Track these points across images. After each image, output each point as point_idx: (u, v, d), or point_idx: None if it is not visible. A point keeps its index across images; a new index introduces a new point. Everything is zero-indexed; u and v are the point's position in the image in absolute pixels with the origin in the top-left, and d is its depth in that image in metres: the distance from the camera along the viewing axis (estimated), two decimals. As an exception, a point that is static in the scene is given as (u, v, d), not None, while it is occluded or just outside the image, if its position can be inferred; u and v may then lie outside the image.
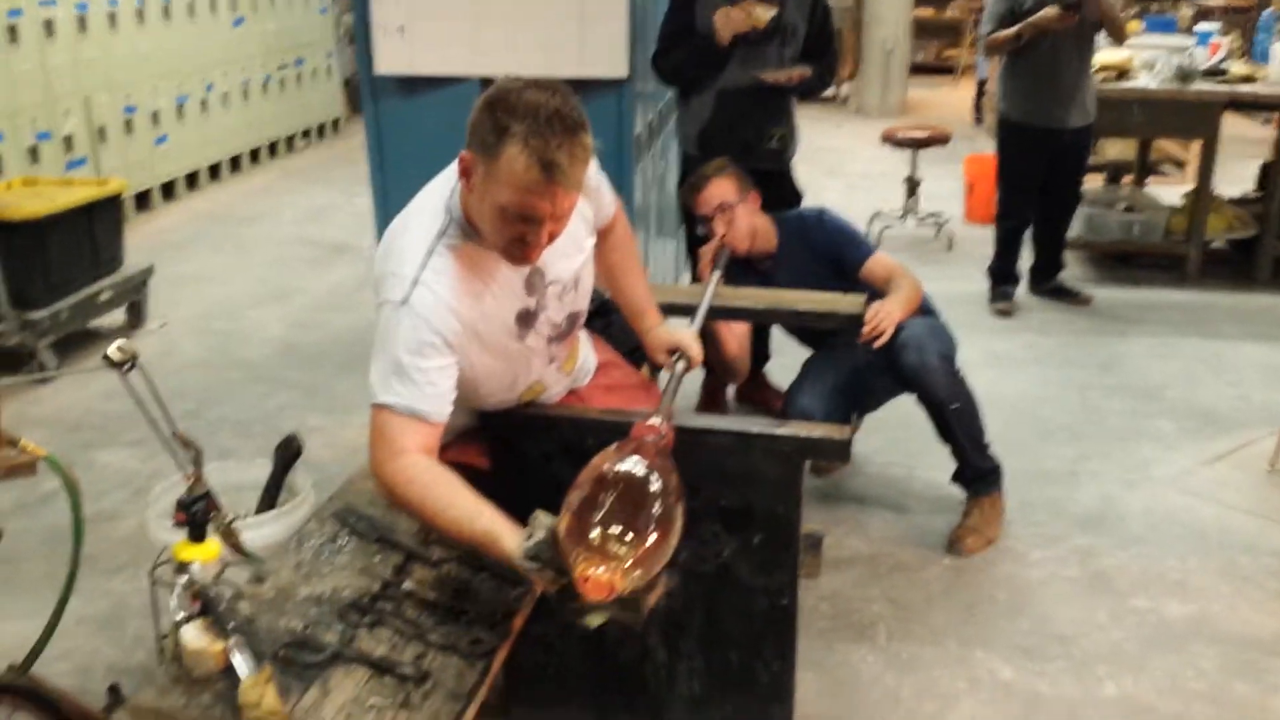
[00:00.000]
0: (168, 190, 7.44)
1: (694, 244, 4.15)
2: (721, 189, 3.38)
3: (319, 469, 3.69)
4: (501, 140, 1.79)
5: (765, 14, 3.69)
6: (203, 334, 5.10)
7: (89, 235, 4.74)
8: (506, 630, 1.91)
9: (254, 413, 4.23)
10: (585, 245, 2.20)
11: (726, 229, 3.33)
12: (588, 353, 2.45)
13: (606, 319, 2.91)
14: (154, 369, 4.67)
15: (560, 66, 3.76)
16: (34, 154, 6.06)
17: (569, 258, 2.13)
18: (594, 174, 2.20)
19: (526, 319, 2.09)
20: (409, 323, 1.90)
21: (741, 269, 3.41)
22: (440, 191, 2.05)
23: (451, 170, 2.07)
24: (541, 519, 1.79)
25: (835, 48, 4.09)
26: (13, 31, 5.91)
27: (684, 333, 2.47)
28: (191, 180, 7.70)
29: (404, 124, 3.92)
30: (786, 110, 4.02)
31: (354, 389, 4.25)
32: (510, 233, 1.88)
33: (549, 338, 2.17)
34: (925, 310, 3.37)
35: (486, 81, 3.82)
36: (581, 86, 3.69)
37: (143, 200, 7.16)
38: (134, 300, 5.07)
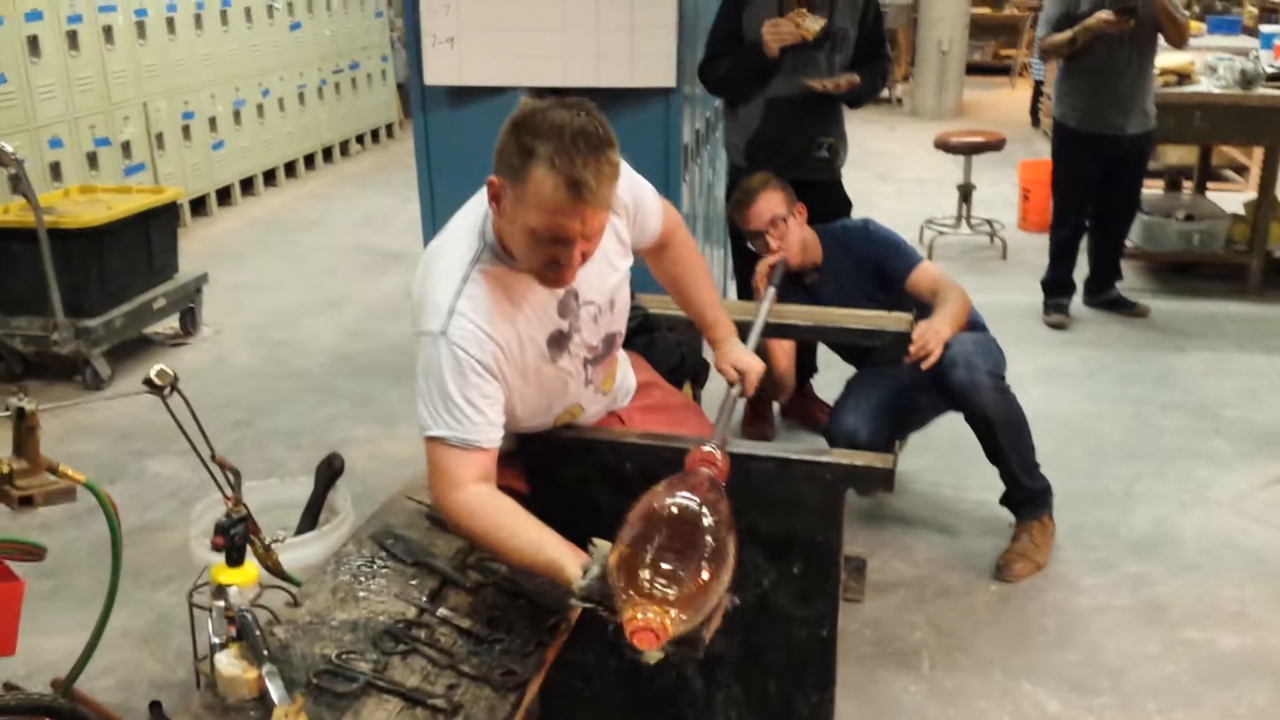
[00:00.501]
0: (223, 196, 7.54)
1: (741, 258, 4.13)
2: (771, 203, 3.33)
3: (363, 480, 3.73)
4: (527, 162, 1.78)
5: (814, 25, 3.65)
6: (256, 342, 5.15)
7: (144, 243, 4.81)
8: (540, 661, 1.89)
9: (304, 423, 4.27)
10: (620, 265, 2.18)
11: (780, 243, 3.29)
12: (627, 372, 2.43)
13: (649, 336, 2.89)
14: (207, 378, 4.81)
15: (608, 76, 3.75)
16: (92, 160, 6.17)
17: (603, 277, 2.11)
18: (633, 190, 2.17)
19: (559, 341, 2.07)
20: (449, 353, 1.90)
21: (786, 282, 3.37)
22: (474, 215, 2.04)
23: (484, 194, 2.06)
24: (600, 550, 1.77)
25: (887, 53, 4.03)
26: (73, 38, 6.02)
27: (750, 356, 2.46)
28: (247, 186, 7.80)
29: (453, 134, 3.92)
30: (836, 118, 3.97)
31: (402, 399, 4.28)
32: (543, 255, 1.87)
33: (585, 360, 2.15)
34: (974, 325, 3.31)
35: (535, 91, 3.84)
36: (629, 96, 3.75)
37: (199, 206, 7.26)
38: (188, 308, 5.13)
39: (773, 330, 3.02)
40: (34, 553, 2.14)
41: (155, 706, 2.58)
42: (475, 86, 3.81)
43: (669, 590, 1.59)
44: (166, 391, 1.88)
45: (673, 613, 1.58)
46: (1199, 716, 2.63)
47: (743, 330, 2.78)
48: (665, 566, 1.62)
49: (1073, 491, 3.58)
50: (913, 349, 2.91)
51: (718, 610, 1.70)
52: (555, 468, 2.24)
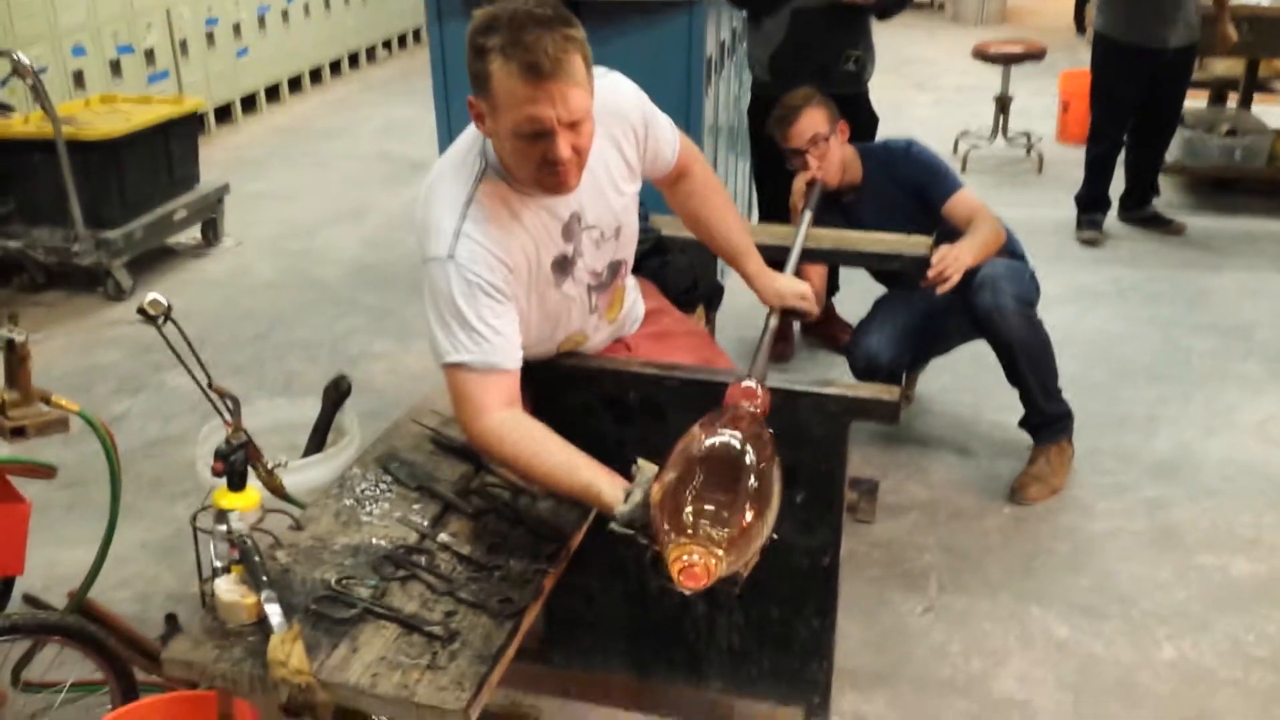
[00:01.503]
0: (248, 104, 7.49)
1: (762, 175, 4.05)
2: (813, 120, 3.19)
3: (380, 395, 3.75)
4: (486, 65, 1.75)
5: (840, -66, 3.53)
6: (277, 254, 5.15)
7: (165, 154, 4.80)
8: (538, 589, 1.90)
9: (323, 335, 4.28)
10: (625, 189, 2.12)
11: (820, 163, 3.18)
12: (635, 299, 2.40)
13: (662, 259, 2.86)
14: (228, 288, 4.82)
15: (631, -14, 3.66)
16: (116, 68, 6.13)
17: (607, 200, 2.06)
18: (644, 113, 2.11)
19: (563, 265, 2.04)
20: (458, 276, 1.87)
21: (825, 201, 3.29)
22: (474, 136, 2.00)
23: None
24: (644, 472, 1.75)
25: (917, -36, 3.90)
26: (94, -56, 5.94)
27: (796, 281, 2.43)
28: (272, 93, 7.75)
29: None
30: (863, 30, 3.85)
31: (420, 313, 4.21)
32: (533, 157, 1.82)
33: (589, 286, 2.12)
34: (1013, 254, 3.24)
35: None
36: (650, 9, 3.65)
37: (223, 114, 7.23)
38: (210, 219, 5.13)
39: (780, 252, 2.97)
40: (43, 472, 2.16)
41: (171, 618, 2.63)
42: (491, -4, 3.72)
43: (714, 530, 1.56)
44: (161, 321, 1.86)
45: (719, 553, 1.56)
46: (1208, 643, 2.62)
47: (773, 254, 2.73)
48: (709, 507, 1.58)
49: (1094, 414, 3.54)
50: (930, 273, 2.85)
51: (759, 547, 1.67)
52: (558, 396, 2.23)
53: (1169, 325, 4.27)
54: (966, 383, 3.73)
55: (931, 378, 3.73)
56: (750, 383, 1.91)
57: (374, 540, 2.00)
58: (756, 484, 1.64)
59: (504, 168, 1.92)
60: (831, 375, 3.78)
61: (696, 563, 1.54)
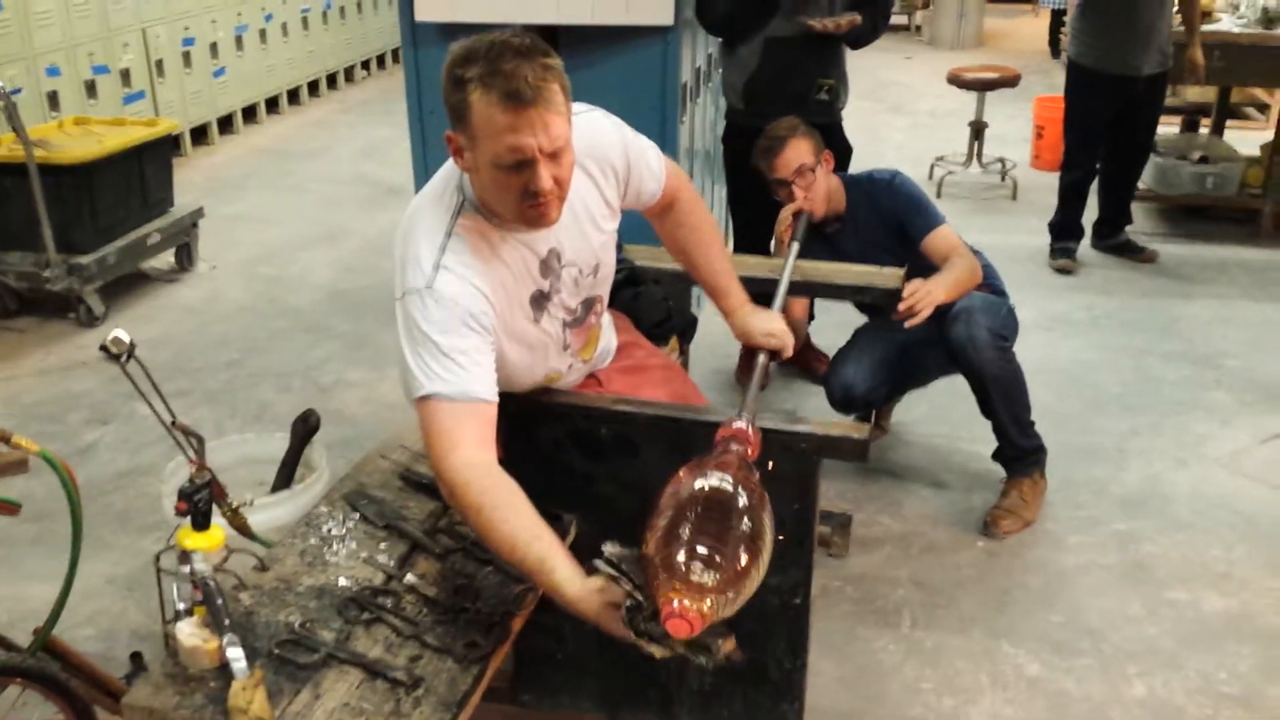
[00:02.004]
0: (225, 124, 7.47)
1: (738, 203, 4.06)
2: (799, 151, 3.18)
3: (354, 424, 3.73)
4: (463, 94, 1.74)
5: (816, -37, 3.54)
6: (251, 278, 5.12)
7: (139, 177, 4.76)
8: (505, 632, 1.88)
9: (296, 364, 4.25)
10: (605, 227, 2.11)
11: (806, 194, 3.16)
12: (609, 337, 2.39)
13: (635, 290, 2.85)
14: (202, 315, 4.79)
15: (605, 13, 3.66)
16: (91, 89, 6.10)
17: (587, 238, 2.06)
18: (628, 150, 2.10)
19: (540, 301, 2.03)
20: (436, 305, 1.84)
21: (808, 230, 3.28)
22: (452, 172, 1.99)
23: None
24: (610, 548, 1.66)
25: (889, -7, 3.92)
26: (70, -37, 5.91)
27: (776, 319, 2.36)
28: (249, 114, 7.72)
29: (444, 73, 3.83)
30: (837, 60, 3.87)
31: (396, 343, 4.25)
32: (515, 189, 1.80)
33: (564, 322, 2.11)
34: (994, 290, 3.25)
35: (529, 29, 3.75)
36: (625, 34, 3.65)
37: (199, 135, 7.20)
38: (184, 243, 5.10)
39: (762, 285, 2.97)
40: (7, 508, 2.13)
41: (136, 657, 2.60)
42: (467, 24, 3.71)
43: (706, 576, 1.51)
44: (124, 359, 1.84)
45: (710, 600, 1.51)
46: (1179, 681, 2.62)
47: (755, 287, 2.72)
48: (701, 551, 1.54)
49: (1066, 445, 3.55)
50: (901, 306, 2.85)
51: (730, 633, 1.60)
52: (529, 431, 2.21)
53: (1141, 354, 4.29)
54: (941, 414, 3.74)
55: (906, 409, 3.73)
56: (740, 423, 1.90)
57: (340, 581, 1.98)
58: (749, 527, 1.60)
59: (482, 203, 1.91)
60: (808, 405, 3.81)
61: (688, 608, 1.49)
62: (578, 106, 1.98)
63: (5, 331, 4.50)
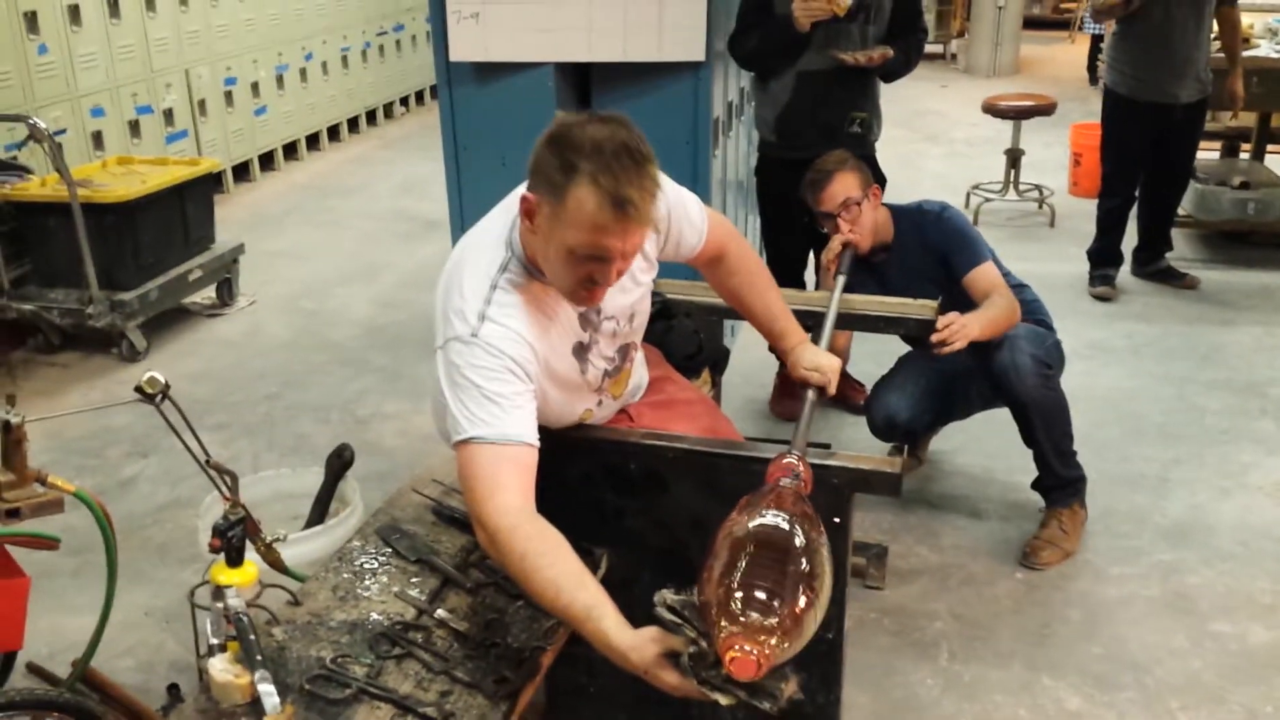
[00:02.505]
0: (266, 161, 7.57)
1: (771, 236, 4.06)
2: (845, 185, 3.18)
3: (390, 457, 3.76)
4: (569, 179, 1.75)
5: (846, -1, 3.55)
6: (290, 313, 5.18)
7: (180, 215, 4.84)
8: (535, 667, 1.88)
9: (334, 398, 4.29)
10: (642, 280, 2.14)
11: (852, 227, 3.15)
12: (640, 373, 2.40)
13: (667, 323, 2.85)
14: (242, 349, 4.84)
15: (637, 51, 3.69)
16: (134, 128, 6.21)
17: (626, 293, 2.08)
18: (669, 204, 2.11)
19: (580, 352, 2.06)
20: (482, 353, 1.85)
21: (853, 259, 3.27)
22: (499, 225, 2.00)
23: (510, 203, 2.02)
24: (670, 603, 1.60)
25: (923, 25, 3.92)
26: (114, 6, 6.04)
27: (827, 355, 2.36)
28: (290, 150, 7.83)
29: (479, 110, 3.88)
30: (869, 92, 3.86)
31: (432, 373, 4.28)
32: (579, 273, 1.83)
33: (604, 371, 2.14)
34: (1040, 322, 3.24)
35: (561, 66, 3.78)
36: (657, 70, 3.68)
37: (242, 172, 7.31)
38: (225, 279, 5.17)
39: (803, 318, 2.96)
40: (46, 544, 2.16)
41: (173, 689, 2.62)
42: (501, 62, 3.76)
43: (766, 618, 1.49)
44: (158, 399, 1.86)
45: (772, 641, 1.48)
46: (1223, 715, 2.57)
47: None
48: (760, 594, 1.51)
49: (1107, 475, 3.51)
50: (934, 335, 2.83)
51: (793, 674, 1.57)
52: (559, 466, 2.20)
53: (1182, 382, 4.24)
54: (979, 444, 3.70)
55: (943, 438, 3.70)
56: (792, 459, 1.88)
57: (372, 616, 1.99)
58: (807, 566, 1.56)
59: (530, 261, 1.93)
60: (844, 435, 3.78)
61: (750, 652, 1.46)
62: None
63: (49, 367, 4.58)
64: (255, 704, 1.74)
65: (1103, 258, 5.20)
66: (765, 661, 1.46)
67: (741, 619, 1.48)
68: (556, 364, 1.99)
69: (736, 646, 1.46)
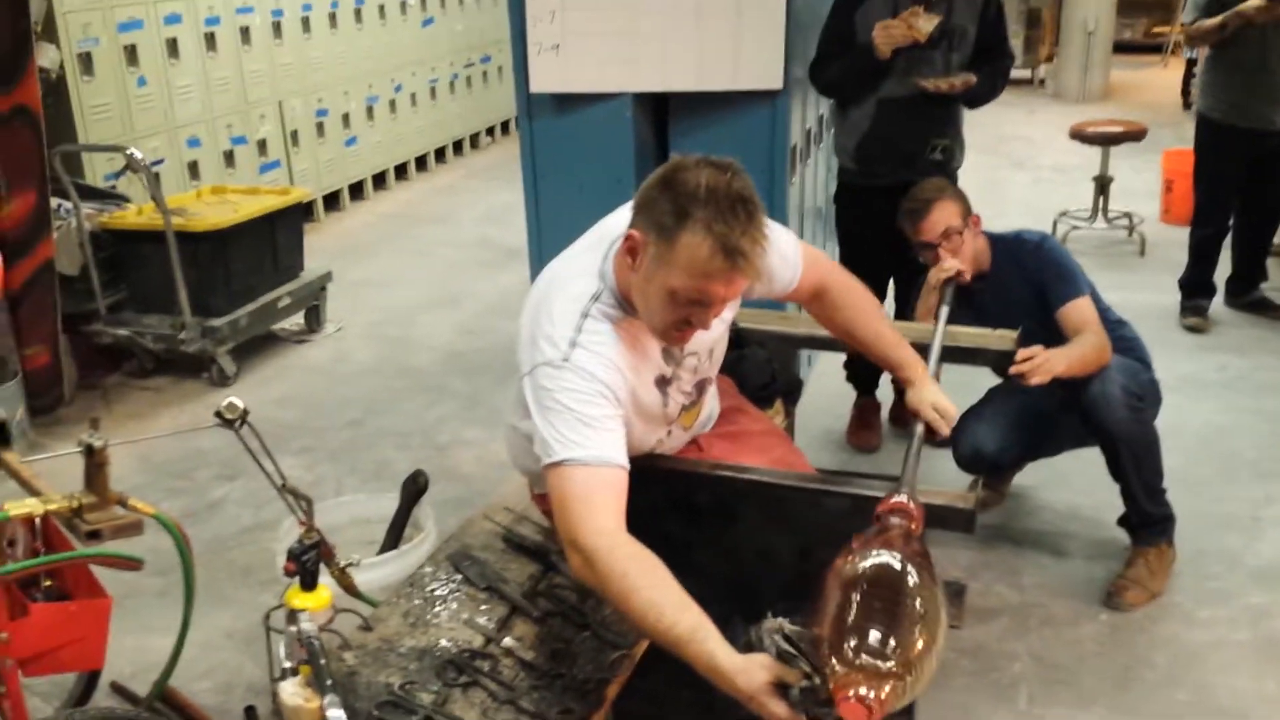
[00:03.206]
0: (356, 190, 7.73)
1: (850, 264, 4.00)
2: (946, 214, 3.14)
3: (468, 483, 3.79)
4: (681, 224, 1.77)
5: (927, 25, 3.52)
6: (375, 340, 5.27)
7: (270, 244, 4.96)
8: (600, 699, 1.89)
9: (414, 424, 4.34)
10: (725, 316, 2.13)
11: (953, 257, 3.11)
12: (712, 405, 2.39)
13: (739, 352, 2.85)
14: (328, 375, 4.93)
15: (714, 79, 3.70)
16: (229, 158, 6.39)
17: (710, 330, 2.08)
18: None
19: (662, 384, 2.07)
20: (574, 377, 1.86)
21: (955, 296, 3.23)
22: (591, 254, 2.02)
23: (602, 231, 2.05)
24: (788, 634, 1.58)
25: (1009, 50, 3.87)
26: (211, 39, 6.23)
27: (947, 400, 2.33)
28: (379, 180, 7.98)
29: (558, 140, 3.92)
30: (952, 119, 3.83)
31: (508, 400, 4.33)
32: (676, 315, 1.86)
33: (682, 406, 2.15)
34: (1140, 363, 3.17)
35: (639, 96, 3.80)
36: (734, 98, 3.68)
37: (332, 201, 7.47)
38: (313, 305, 5.28)
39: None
40: (130, 564, 2.21)
41: (250, 711, 2.66)
42: (580, 93, 3.80)
43: (883, 662, 1.46)
44: (238, 424, 1.91)
45: (888, 686, 1.45)
46: (1318, 767, 2.47)
47: None
48: (876, 635, 1.48)
49: (1197, 513, 3.40)
50: (1013, 370, 2.78)
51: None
52: (628, 496, 2.22)
53: (1277, 417, 4.10)
54: (1064, 480, 3.61)
55: (1027, 472, 3.62)
56: (901, 497, 1.86)
57: (440, 642, 2.01)
58: (922, 608, 1.53)
59: (624, 295, 1.95)
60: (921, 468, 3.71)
61: (866, 696, 1.43)
62: None
63: (141, 391, 4.71)
64: (324, 728, 1.76)
65: (1195, 288, 5.06)
66: (880, 707, 1.43)
67: (858, 662, 1.45)
68: (643, 395, 2.01)
69: (853, 689, 1.43)
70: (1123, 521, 3.15)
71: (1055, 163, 8.01)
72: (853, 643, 1.46)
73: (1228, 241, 5.08)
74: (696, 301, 1.82)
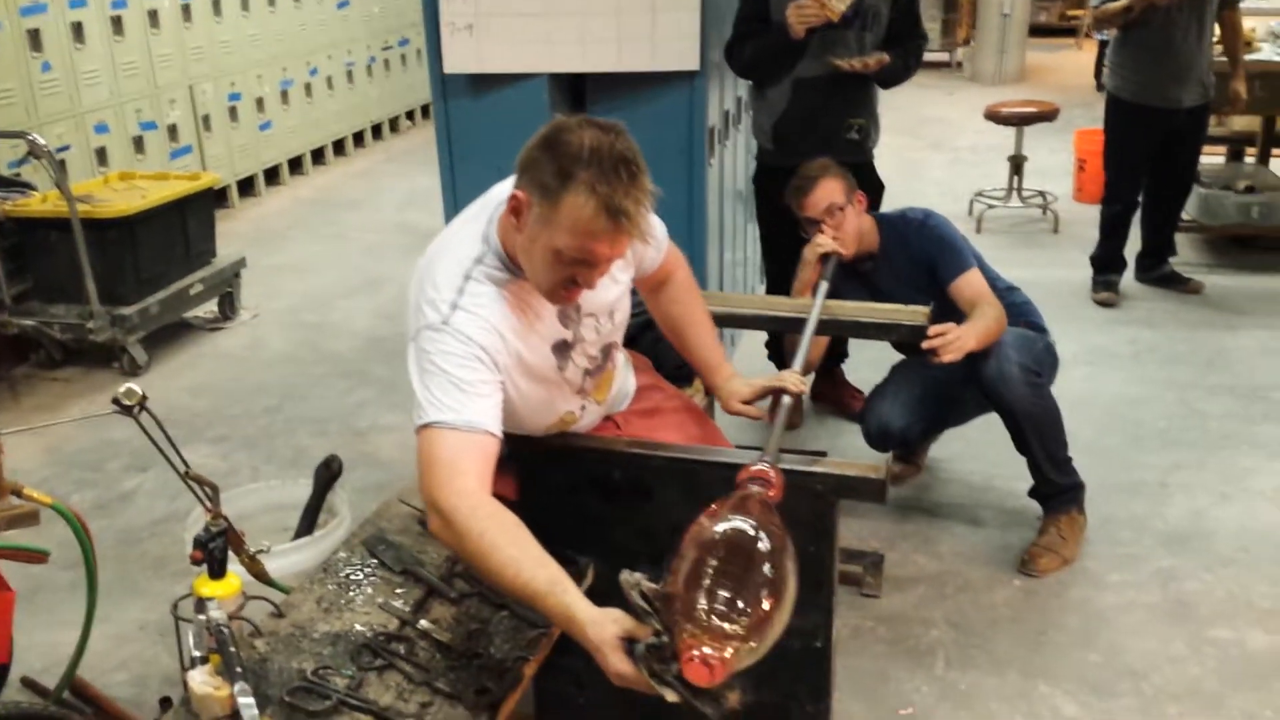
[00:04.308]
0: (272, 175, 7.60)
1: (770, 246, 4.04)
2: (830, 190, 3.19)
3: (388, 469, 3.76)
4: (565, 185, 1.77)
5: (840, 4, 3.52)
6: (292, 326, 5.19)
7: (181, 230, 4.85)
8: (517, 678, 1.87)
9: (333, 410, 4.29)
10: (621, 278, 2.15)
11: (836, 233, 3.16)
12: (626, 378, 2.39)
13: (657, 332, 2.85)
14: (243, 363, 4.85)
15: (631, 61, 3.69)
16: (139, 144, 6.24)
17: (605, 289, 2.08)
18: None
19: (563, 350, 2.06)
20: (452, 341, 1.86)
21: (843, 268, 3.27)
22: (477, 220, 2.01)
23: (489, 199, 2.04)
24: (644, 590, 1.61)
25: (921, 32, 3.90)
26: (118, 23, 6.07)
27: (753, 387, 2.42)
28: (295, 165, 7.85)
29: (474, 122, 3.88)
30: (867, 99, 3.85)
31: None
32: (562, 275, 1.85)
33: (585, 370, 2.14)
34: (1033, 327, 3.22)
35: (555, 77, 3.78)
36: (651, 80, 3.68)
37: (246, 187, 7.33)
38: (226, 293, 5.18)
39: (787, 324, 2.96)
40: (36, 557, 2.16)
41: (165, 702, 2.61)
42: (495, 74, 3.77)
43: (730, 624, 1.49)
44: (136, 410, 1.87)
45: (733, 648, 1.48)
46: (1222, 722, 2.54)
47: (786, 326, 2.73)
48: (724, 597, 1.51)
49: (1108, 482, 3.48)
50: (926, 344, 2.81)
51: (737, 684, 1.55)
52: (543, 475, 2.22)
53: (1185, 387, 4.21)
54: (977, 451, 3.68)
55: (942, 445, 3.68)
56: (761, 465, 1.88)
57: (355, 627, 1.99)
58: (772, 573, 1.57)
59: (509, 257, 1.94)
60: (841, 443, 3.77)
61: (710, 655, 1.46)
62: None
63: (50, 382, 4.60)
64: (235, 716, 1.73)
65: (1106, 263, 5.17)
66: (724, 667, 1.46)
67: (705, 623, 1.48)
68: (531, 358, 1.99)
69: (698, 650, 1.46)
70: (1033, 492, 3.21)
71: (972, 144, 8.12)
72: (701, 604, 1.49)
73: (1137, 218, 5.19)
74: (581, 261, 1.82)
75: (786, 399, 2.31)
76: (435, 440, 1.81)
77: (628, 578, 1.59)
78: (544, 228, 1.81)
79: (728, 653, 1.47)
